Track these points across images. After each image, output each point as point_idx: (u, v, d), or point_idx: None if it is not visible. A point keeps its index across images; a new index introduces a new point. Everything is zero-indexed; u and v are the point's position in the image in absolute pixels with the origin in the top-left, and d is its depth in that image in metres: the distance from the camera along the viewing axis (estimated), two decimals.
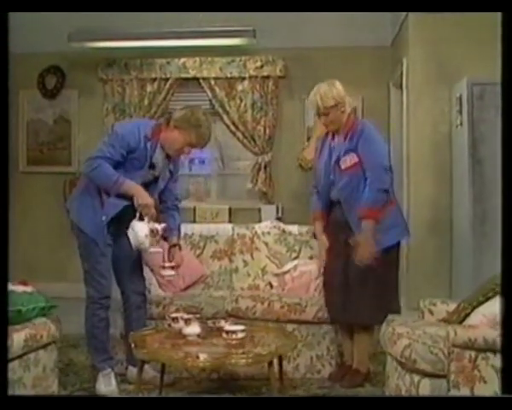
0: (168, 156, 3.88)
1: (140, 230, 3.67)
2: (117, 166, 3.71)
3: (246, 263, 4.86)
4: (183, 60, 6.93)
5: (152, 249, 3.77)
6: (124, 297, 4.02)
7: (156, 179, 3.88)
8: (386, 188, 3.88)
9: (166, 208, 4.05)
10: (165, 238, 4.03)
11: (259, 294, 4.48)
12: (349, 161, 3.88)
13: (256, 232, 4.94)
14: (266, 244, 4.89)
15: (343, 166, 3.90)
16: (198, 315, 3.67)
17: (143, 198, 3.67)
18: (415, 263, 5.58)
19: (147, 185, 3.84)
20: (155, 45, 6.59)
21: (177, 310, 4.20)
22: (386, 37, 6.65)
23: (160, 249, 3.89)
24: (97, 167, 3.66)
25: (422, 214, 5.58)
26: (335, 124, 3.97)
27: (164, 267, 3.99)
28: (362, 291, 3.90)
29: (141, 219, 3.69)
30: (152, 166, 3.82)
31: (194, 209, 6.89)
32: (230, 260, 4.89)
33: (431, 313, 3.60)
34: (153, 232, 3.70)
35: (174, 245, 4.04)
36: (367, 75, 6.64)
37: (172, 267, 4.00)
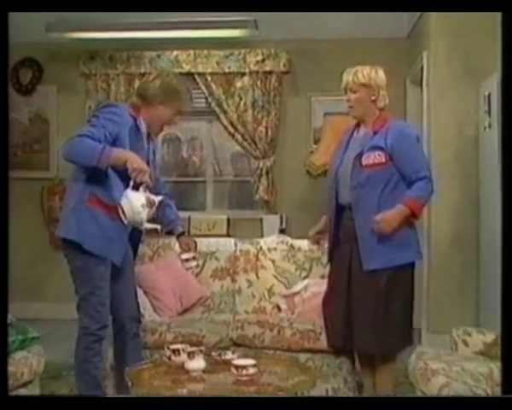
0: (149, 135, 3.82)
1: (135, 199, 3.48)
2: None
3: (250, 283, 4.81)
4: (175, 53, 6.85)
5: (148, 225, 3.56)
6: (116, 325, 3.86)
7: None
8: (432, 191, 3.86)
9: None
10: (169, 232, 4.00)
11: (268, 319, 4.40)
12: (373, 158, 3.76)
13: (261, 248, 4.90)
14: (273, 262, 4.85)
15: (364, 162, 3.77)
16: (202, 348, 3.52)
17: (138, 162, 3.48)
18: (437, 282, 5.49)
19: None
20: (144, 37, 6.46)
21: (175, 338, 4.17)
22: (402, 27, 6.56)
23: (158, 226, 3.69)
24: (76, 144, 3.45)
25: (446, 227, 5.49)
26: (360, 108, 3.85)
27: (186, 260, 3.91)
28: (367, 315, 3.79)
29: (135, 188, 3.52)
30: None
31: (189, 220, 6.77)
32: (233, 280, 4.84)
33: (465, 344, 3.50)
34: (150, 203, 3.52)
35: (182, 233, 4.00)
36: None
37: (194, 257, 3.94)
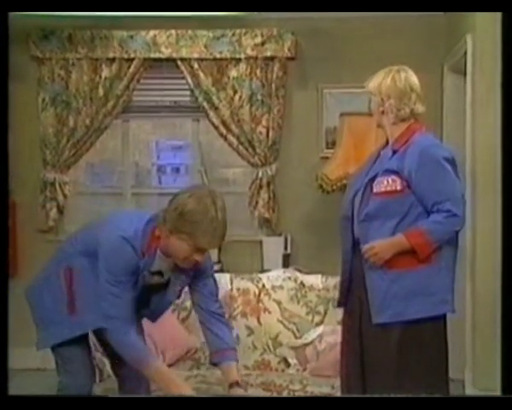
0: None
1: None
2: None
3: (250, 330, 4.87)
4: (152, 33, 6.84)
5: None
6: (117, 381, 3.96)
7: (166, 286, 3.76)
8: (459, 230, 3.83)
9: (207, 320, 3.86)
10: (214, 364, 3.86)
11: (274, 380, 4.44)
12: (385, 184, 3.76)
13: (264, 286, 4.96)
14: (278, 303, 4.91)
15: (375, 189, 3.79)
16: None
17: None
18: (483, 326, 5.44)
19: (150, 291, 3.74)
20: (113, 14, 6.39)
21: None
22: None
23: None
24: (120, 337, 3.58)
25: (494, 257, 5.45)
26: (375, 118, 3.95)
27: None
28: (381, 377, 3.79)
29: None
30: (156, 273, 3.71)
31: None
32: None
33: None
34: None
35: (235, 383, 3.76)
36: (409, 55, 6.44)
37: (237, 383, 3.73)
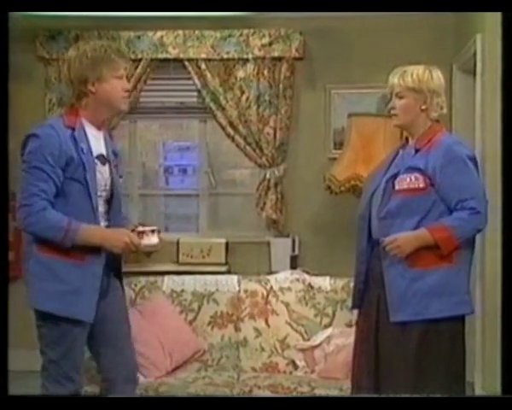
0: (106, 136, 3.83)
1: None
2: (59, 196, 3.57)
3: (258, 332, 4.87)
4: (159, 33, 6.85)
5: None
6: (105, 385, 3.86)
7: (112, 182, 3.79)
8: (482, 228, 3.87)
9: None
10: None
11: (282, 382, 4.44)
12: (408, 182, 3.78)
13: (272, 288, 4.96)
14: (286, 305, 4.91)
15: (397, 187, 3.80)
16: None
17: (115, 241, 3.58)
18: (493, 328, 5.42)
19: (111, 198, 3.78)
20: (120, 15, 6.41)
21: None
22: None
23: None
24: (37, 223, 3.50)
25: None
26: (405, 117, 3.89)
27: (144, 233, 3.66)
28: (397, 378, 3.77)
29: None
30: (103, 159, 3.74)
31: (178, 244, 6.74)
32: (236, 329, 4.91)
33: None
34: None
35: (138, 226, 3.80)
36: (418, 55, 6.39)
37: (157, 232, 3.71)
